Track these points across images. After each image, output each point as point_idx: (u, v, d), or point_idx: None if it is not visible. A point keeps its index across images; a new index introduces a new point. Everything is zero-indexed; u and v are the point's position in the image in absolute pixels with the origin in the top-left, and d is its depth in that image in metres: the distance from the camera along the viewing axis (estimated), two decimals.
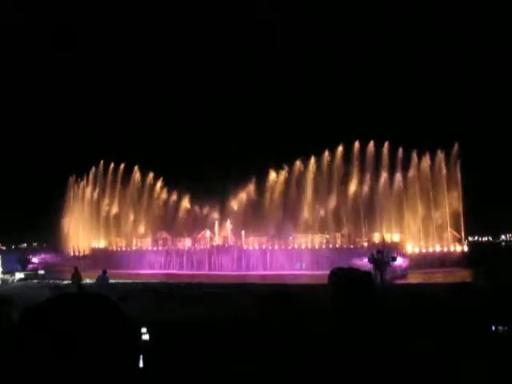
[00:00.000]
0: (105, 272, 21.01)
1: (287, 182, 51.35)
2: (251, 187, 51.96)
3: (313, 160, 50.53)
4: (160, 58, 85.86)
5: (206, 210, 53.20)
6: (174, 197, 55.34)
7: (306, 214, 49.67)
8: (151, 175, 57.23)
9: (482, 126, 68.96)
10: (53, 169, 66.33)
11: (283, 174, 51.70)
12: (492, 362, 2.60)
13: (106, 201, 58.90)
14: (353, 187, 49.83)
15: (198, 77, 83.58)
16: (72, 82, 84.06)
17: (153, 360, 2.71)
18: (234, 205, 52.13)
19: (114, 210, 58.47)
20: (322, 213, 49.13)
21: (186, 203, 54.46)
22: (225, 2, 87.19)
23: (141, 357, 1.75)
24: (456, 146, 49.42)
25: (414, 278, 32.96)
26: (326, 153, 50.33)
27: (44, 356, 0.98)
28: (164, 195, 56.60)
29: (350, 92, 75.43)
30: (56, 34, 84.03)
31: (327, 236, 48.12)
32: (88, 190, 59.98)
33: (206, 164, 59.83)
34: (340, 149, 50.28)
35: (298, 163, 51.01)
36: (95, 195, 59.44)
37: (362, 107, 73.42)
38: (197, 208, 53.98)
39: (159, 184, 57.24)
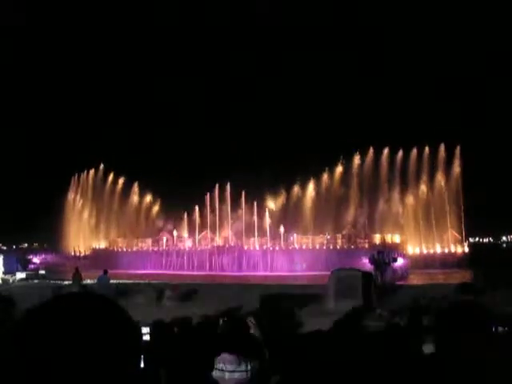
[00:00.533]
0: (105, 272, 21.06)
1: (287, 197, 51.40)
2: (251, 211, 51.46)
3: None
4: (159, 58, 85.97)
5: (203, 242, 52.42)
6: (170, 226, 54.47)
7: (308, 215, 49.67)
8: (149, 198, 57.25)
9: (482, 126, 69.00)
10: (54, 169, 66.45)
11: (281, 197, 51.56)
12: (493, 362, 2.58)
13: (107, 201, 58.96)
14: (355, 186, 49.90)
15: (198, 77, 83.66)
16: (72, 82, 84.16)
17: (153, 360, 2.72)
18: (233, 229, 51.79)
19: (116, 209, 58.51)
20: (323, 214, 49.10)
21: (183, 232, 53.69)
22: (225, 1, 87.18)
23: (142, 357, 1.75)
24: (458, 147, 49.50)
25: (414, 279, 32.97)
26: (327, 166, 50.60)
27: (45, 356, 0.99)
28: (160, 223, 55.89)
29: (350, 92, 75.52)
30: (56, 33, 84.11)
31: (328, 237, 48.11)
32: (88, 192, 60.06)
33: (205, 170, 59.61)
34: (340, 159, 50.48)
35: (297, 183, 51.07)
36: (96, 196, 59.58)
37: (361, 107, 73.52)
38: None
39: (156, 208, 57.12)
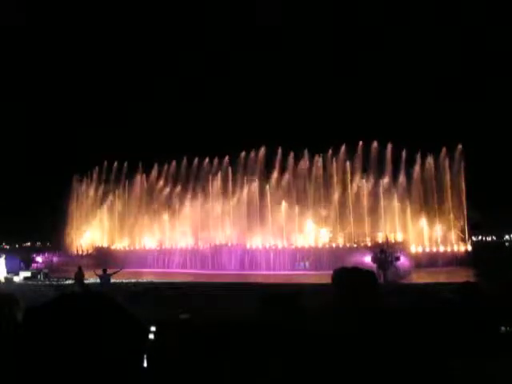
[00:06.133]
0: (105, 271, 21.18)
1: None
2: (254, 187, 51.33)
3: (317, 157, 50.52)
4: (159, 58, 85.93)
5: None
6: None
7: (310, 213, 49.58)
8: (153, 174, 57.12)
9: (485, 126, 68.79)
10: (56, 167, 66.57)
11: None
12: (497, 362, 2.57)
13: (110, 200, 58.98)
14: (356, 187, 49.81)
15: (198, 76, 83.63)
16: (72, 81, 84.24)
17: (156, 360, 2.71)
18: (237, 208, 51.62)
19: (118, 209, 58.53)
20: (324, 213, 49.00)
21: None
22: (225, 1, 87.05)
23: (144, 356, 1.74)
24: (460, 146, 49.40)
25: (417, 278, 32.87)
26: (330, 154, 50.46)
27: (47, 356, 0.98)
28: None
29: (351, 92, 75.47)
30: (56, 33, 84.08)
31: (330, 235, 48.09)
32: (92, 190, 60.16)
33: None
34: (343, 149, 50.28)
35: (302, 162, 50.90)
36: (99, 194, 59.66)
37: (363, 107, 73.40)
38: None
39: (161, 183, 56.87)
